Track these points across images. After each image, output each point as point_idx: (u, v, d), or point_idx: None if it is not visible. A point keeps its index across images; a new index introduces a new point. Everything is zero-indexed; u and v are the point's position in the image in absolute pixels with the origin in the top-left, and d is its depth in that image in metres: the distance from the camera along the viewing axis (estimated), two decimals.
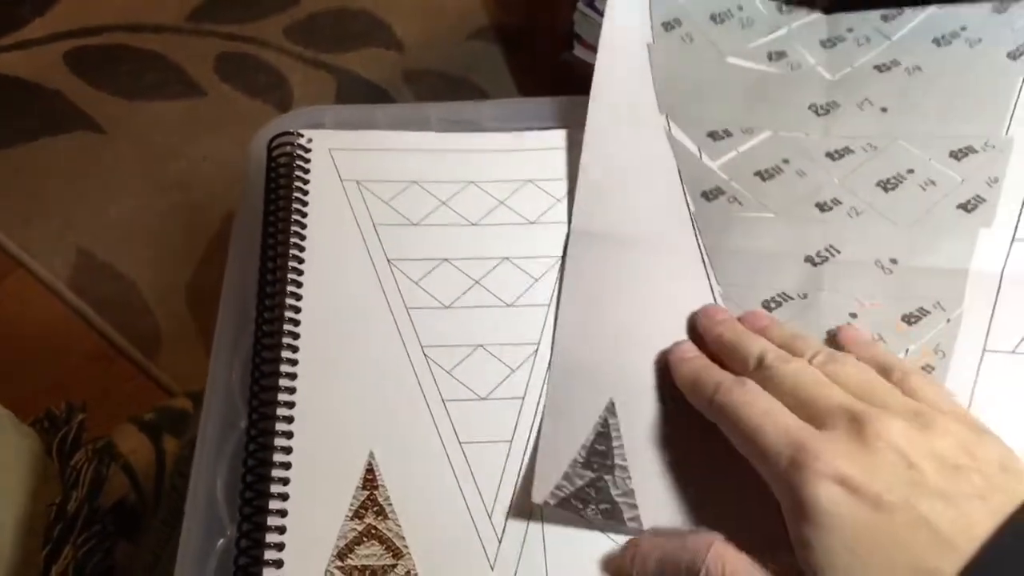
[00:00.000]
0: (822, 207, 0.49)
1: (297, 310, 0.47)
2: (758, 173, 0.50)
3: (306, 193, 0.51)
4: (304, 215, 0.50)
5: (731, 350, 0.42)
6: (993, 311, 0.45)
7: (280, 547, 0.40)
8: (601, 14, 1.28)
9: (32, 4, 1.67)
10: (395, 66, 1.61)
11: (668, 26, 0.55)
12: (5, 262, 1.37)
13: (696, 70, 0.54)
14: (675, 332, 0.45)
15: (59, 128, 1.53)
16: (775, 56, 0.55)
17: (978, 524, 0.32)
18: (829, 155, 0.51)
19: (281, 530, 0.41)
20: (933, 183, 0.49)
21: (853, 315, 0.45)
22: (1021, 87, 0.52)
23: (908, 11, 0.56)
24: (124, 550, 0.60)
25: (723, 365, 0.42)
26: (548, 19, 1.42)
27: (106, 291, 1.34)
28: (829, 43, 0.56)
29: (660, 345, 0.45)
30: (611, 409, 0.43)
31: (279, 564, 0.40)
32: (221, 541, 0.41)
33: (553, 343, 0.46)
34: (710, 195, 0.50)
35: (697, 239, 0.48)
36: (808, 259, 0.47)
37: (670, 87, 0.53)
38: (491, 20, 1.66)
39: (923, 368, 0.43)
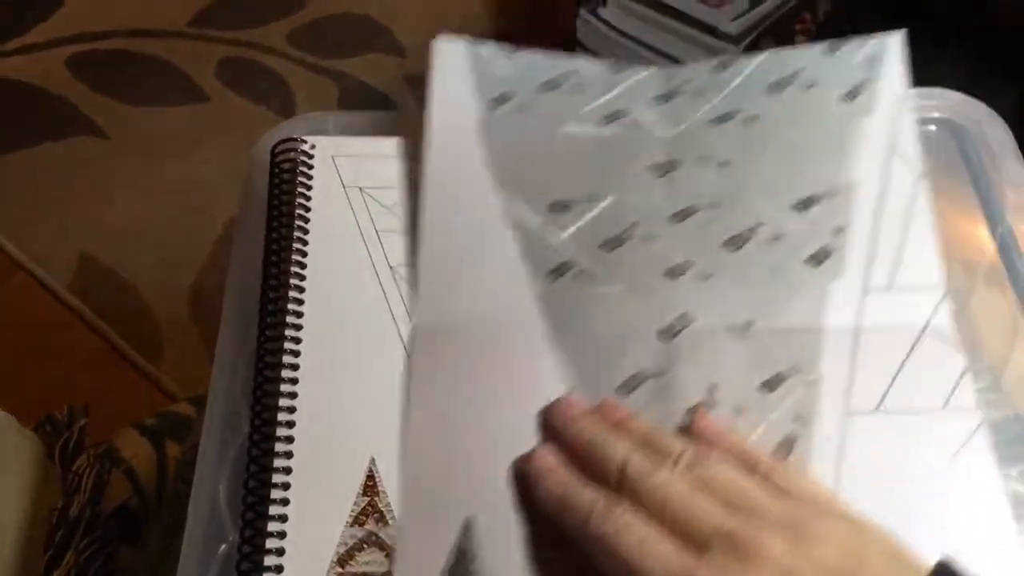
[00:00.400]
0: (672, 273, 0.47)
1: (299, 315, 0.47)
2: (603, 244, 0.48)
3: (309, 199, 0.51)
4: (307, 221, 0.50)
5: (589, 453, 0.40)
6: (852, 369, 0.44)
7: (281, 552, 0.40)
8: (604, 21, 1.28)
9: (35, 9, 1.67)
10: (397, 71, 1.61)
11: (498, 101, 0.53)
12: (7, 265, 1.37)
13: (532, 142, 0.52)
14: (531, 433, 0.43)
15: (62, 132, 1.53)
16: (612, 118, 0.52)
17: None
18: (675, 217, 0.49)
19: (282, 535, 0.41)
20: (780, 238, 0.48)
21: (712, 388, 0.44)
22: (859, 129, 0.51)
23: (741, 59, 0.54)
24: (126, 555, 0.60)
25: (581, 466, 0.40)
26: (550, 26, 1.42)
27: (108, 295, 1.34)
28: (664, 98, 0.53)
29: (517, 449, 0.42)
30: (468, 530, 0.40)
31: (279, 569, 0.40)
32: (223, 547, 0.41)
33: (401, 458, 0.43)
34: (556, 273, 0.47)
35: (546, 322, 0.46)
36: (662, 333, 0.45)
37: (506, 162, 0.51)
38: (493, 26, 1.66)
39: (787, 438, 0.42)
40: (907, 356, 0.44)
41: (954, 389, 0.43)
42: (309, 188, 0.51)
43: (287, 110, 1.57)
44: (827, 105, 0.52)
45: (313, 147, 0.53)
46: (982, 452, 0.42)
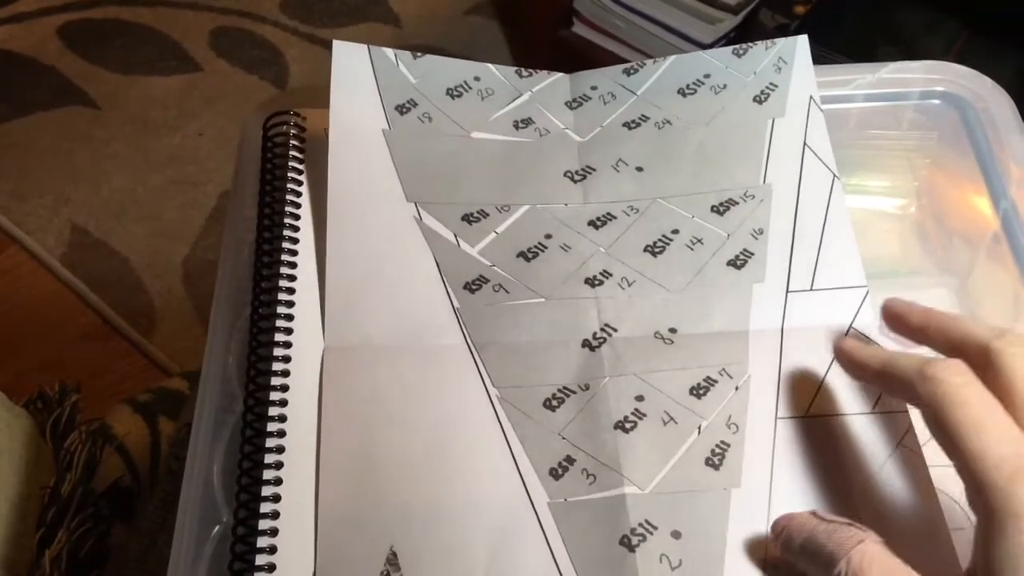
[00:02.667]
0: (592, 282, 0.46)
1: (292, 291, 0.46)
2: (521, 254, 0.47)
3: (301, 173, 0.50)
4: (299, 195, 0.49)
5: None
6: (780, 373, 0.43)
7: (275, 533, 0.40)
8: None
9: None
10: (392, 41, 1.60)
11: (403, 108, 0.51)
12: None
13: (440, 151, 0.50)
14: (456, 451, 0.41)
15: (53, 103, 1.52)
16: (522, 124, 0.51)
17: None
18: (592, 224, 0.48)
19: (275, 516, 0.40)
20: (700, 241, 0.47)
21: (640, 398, 0.43)
22: (771, 131, 0.50)
23: (650, 63, 0.53)
24: (119, 533, 0.59)
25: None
26: None
27: (101, 268, 1.34)
28: (575, 104, 0.53)
29: (442, 470, 0.41)
30: (393, 560, 0.39)
31: (273, 550, 0.40)
32: (217, 528, 0.41)
33: (317, 489, 0.41)
34: (473, 286, 0.46)
35: (465, 338, 0.44)
36: (586, 343, 0.44)
37: (415, 173, 0.49)
38: None
39: (720, 445, 0.41)
40: (833, 358, 0.43)
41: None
42: (301, 162, 0.50)
43: (281, 80, 1.55)
44: (739, 108, 0.51)
45: (305, 119, 0.52)
46: (914, 454, 0.41)
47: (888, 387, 0.38)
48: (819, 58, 0.53)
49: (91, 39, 1.60)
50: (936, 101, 0.55)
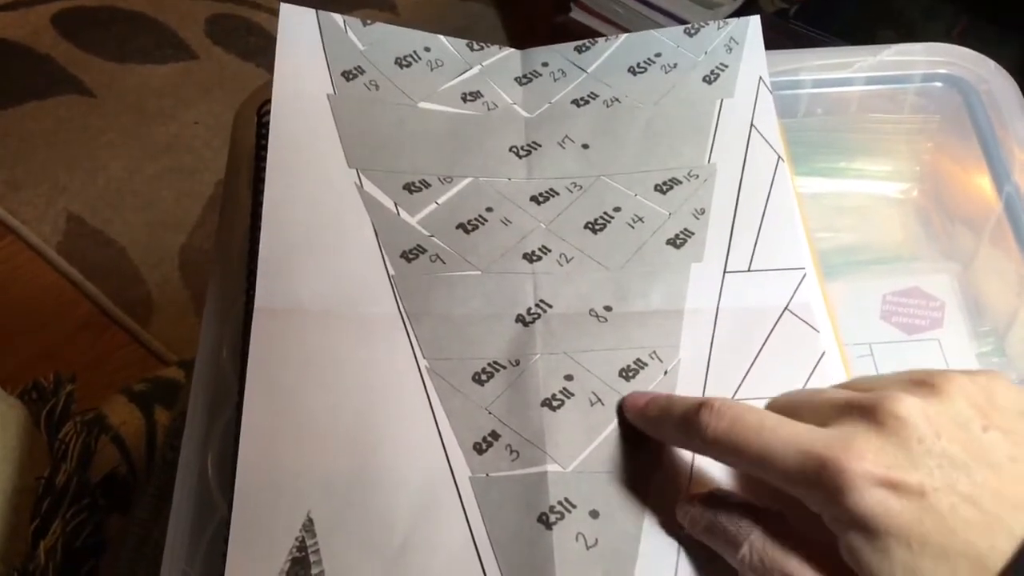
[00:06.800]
0: (530, 257, 0.46)
1: None
2: (460, 226, 0.47)
3: None
4: None
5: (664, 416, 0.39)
6: (710, 354, 0.43)
7: None
8: None
9: None
10: None
11: (349, 75, 0.51)
12: None
13: (386, 119, 0.50)
14: (380, 421, 0.41)
15: (48, 92, 1.51)
16: (470, 97, 0.51)
17: (1021, 492, 0.31)
18: (534, 199, 0.48)
19: None
20: (640, 220, 0.47)
21: (569, 377, 0.42)
22: (719, 112, 0.50)
23: (601, 41, 0.54)
24: (114, 523, 0.59)
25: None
26: None
27: (97, 257, 1.33)
28: (524, 79, 0.53)
29: (364, 439, 0.40)
30: (309, 526, 0.38)
31: None
32: (212, 518, 0.40)
33: (237, 449, 0.40)
34: (410, 255, 0.46)
35: (398, 307, 0.44)
36: (519, 318, 0.44)
37: (358, 139, 0.49)
38: None
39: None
40: (765, 340, 0.43)
41: (812, 372, 0.43)
42: None
43: None
44: (687, 87, 0.51)
45: None
46: None
47: (669, 438, 0.39)
48: (818, 42, 0.52)
49: (86, 27, 1.59)
50: (938, 84, 0.54)
